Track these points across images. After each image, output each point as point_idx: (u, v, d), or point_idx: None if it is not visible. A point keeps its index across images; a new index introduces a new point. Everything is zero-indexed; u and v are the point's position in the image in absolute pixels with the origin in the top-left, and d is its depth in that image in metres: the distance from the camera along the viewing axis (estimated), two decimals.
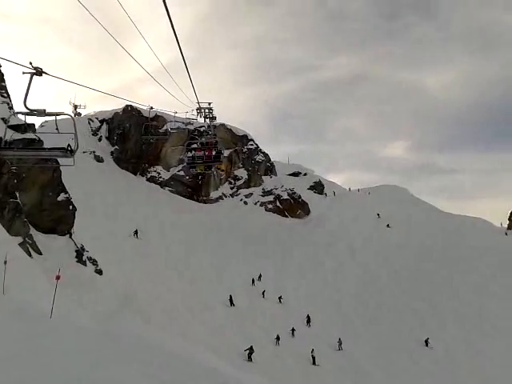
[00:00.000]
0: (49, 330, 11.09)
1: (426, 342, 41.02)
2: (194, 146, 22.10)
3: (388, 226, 73.73)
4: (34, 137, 26.20)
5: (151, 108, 18.64)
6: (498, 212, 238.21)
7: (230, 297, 37.00)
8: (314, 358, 31.79)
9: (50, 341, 10.00)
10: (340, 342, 36.60)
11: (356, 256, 61.10)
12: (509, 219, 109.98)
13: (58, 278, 15.07)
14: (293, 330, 36.06)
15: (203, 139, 23.18)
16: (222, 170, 64.89)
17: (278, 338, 31.87)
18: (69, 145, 7.95)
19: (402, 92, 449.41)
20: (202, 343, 27.03)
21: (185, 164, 70.04)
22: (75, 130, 7.65)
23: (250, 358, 28.44)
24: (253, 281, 45.24)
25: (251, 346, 26.95)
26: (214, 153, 22.69)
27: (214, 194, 73.64)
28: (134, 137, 73.36)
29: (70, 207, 29.94)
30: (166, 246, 44.88)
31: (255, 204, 75.46)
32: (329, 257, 59.25)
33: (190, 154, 22.27)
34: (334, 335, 38.36)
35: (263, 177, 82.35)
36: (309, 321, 39.46)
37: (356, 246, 64.25)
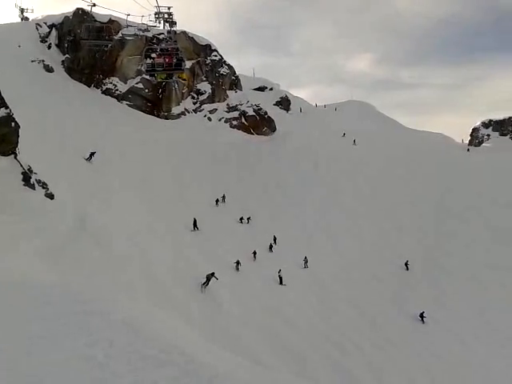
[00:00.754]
0: None
1: (406, 264, 41.76)
2: (154, 54, 20.73)
3: (354, 142, 73.08)
4: None
5: (93, 5, 15.54)
6: (458, 128, 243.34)
7: (194, 220, 35.41)
8: (280, 278, 31.77)
9: None
10: (306, 260, 36.78)
11: (321, 174, 60.63)
12: (470, 135, 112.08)
13: None
14: (254, 253, 35.66)
15: (163, 45, 21.01)
16: (184, 80, 60.28)
17: (237, 263, 30.88)
18: None
19: (370, 2, 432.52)
20: (166, 267, 26.09)
21: (143, 75, 65.29)
22: None
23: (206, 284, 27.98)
24: (217, 201, 44.00)
25: (212, 273, 25.95)
26: (174, 60, 21.17)
27: (175, 110, 69.72)
28: (86, 44, 66.83)
29: (13, 124, 26.77)
30: (124, 165, 42.34)
31: (220, 120, 72.43)
32: (294, 175, 58.48)
33: (149, 61, 21.16)
34: (300, 253, 38.44)
35: (228, 91, 78.41)
36: (275, 241, 39.12)
37: (321, 163, 63.57)
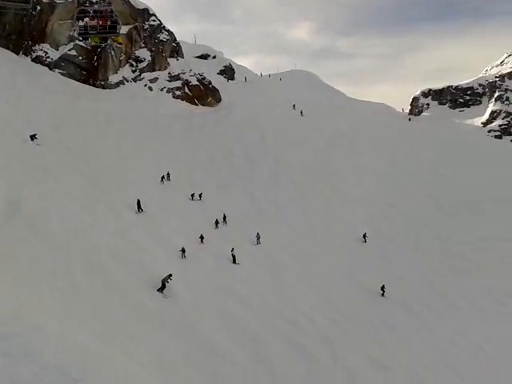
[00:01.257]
0: None
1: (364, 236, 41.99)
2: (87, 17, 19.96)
3: (301, 113, 72.48)
4: None
5: None
6: (397, 97, 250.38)
7: (138, 201, 32.88)
8: (234, 256, 30.80)
9: None
10: (258, 237, 36.02)
11: (268, 145, 59.72)
12: (410, 104, 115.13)
13: None
14: (201, 237, 34.40)
15: (96, 7, 19.47)
16: (120, 44, 55.99)
17: (183, 251, 28.47)
18: None
19: None
20: (110, 254, 24.31)
21: (76, 41, 60.59)
22: None
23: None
24: (162, 178, 41.82)
25: (169, 275, 24.23)
26: (108, 23, 19.82)
27: (113, 78, 65.48)
28: (12, 7, 60.54)
29: None
30: (60, 140, 39.11)
31: (161, 90, 69.10)
32: (240, 147, 57.16)
33: (81, 24, 20.30)
34: (250, 229, 37.66)
35: (169, 59, 74.71)
36: (224, 219, 37.87)
37: (268, 135, 62.59)
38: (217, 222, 36.51)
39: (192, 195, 40.62)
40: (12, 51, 60.38)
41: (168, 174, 42.28)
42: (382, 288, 32.43)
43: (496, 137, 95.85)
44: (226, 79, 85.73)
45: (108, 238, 26.00)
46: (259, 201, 45.62)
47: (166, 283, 23.04)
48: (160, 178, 41.50)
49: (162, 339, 18.86)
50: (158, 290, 22.81)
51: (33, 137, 36.18)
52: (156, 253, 26.93)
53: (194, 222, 34.83)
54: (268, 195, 47.32)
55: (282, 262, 34.05)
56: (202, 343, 19.91)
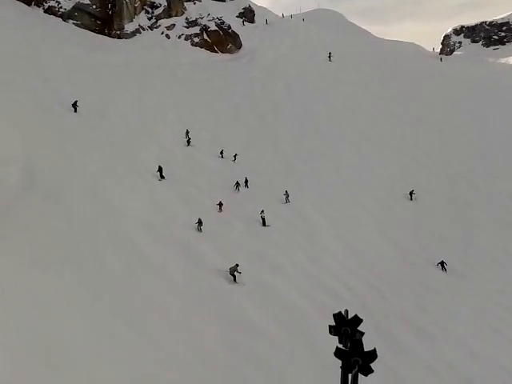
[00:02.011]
0: None
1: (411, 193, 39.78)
2: None
3: (329, 57, 68.19)
4: None
5: None
6: (427, 35, 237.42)
7: (160, 168, 30.33)
8: (263, 219, 29.24)
9: None
10: (287, 195, 34.27)
11: (294, 94, 56.60)
12: (442, 43, 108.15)
13: None
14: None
15: None
16: None
17: (199, 223, 25.63)
18: None
19: None
20: (138, 223, 23.00)
21: None
22: None
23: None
24: (187, 132, 39.62)
25: (236, 265, 22.82)
26: None
27: (129, 27, 62.29)
28: None
29: None
30: (76, 94, 37.01)
31: (179, 38, 65.67)
32: (265, 97, 54.31)
33: None
34: (278, 186, 35.86)
35: (185, 3, 70.56)
36: (246, 182, 34.64)
37: (293, 83, 59.27)
38: (237, 185, 33.61)
39: (221, 153, 38.46)
40: (23, 2, 57.48)
41: (187, 132, 39.72)
42: (442, 264, 29.77)
43: None
44: (246, 22, 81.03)
45: (137, 205, 24.63)
46: (286, 154, 43.39)
47: (237, 273, 21.88)
48: (185, 133, 39.40)
49: (196, 317, 17.71)
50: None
51: (75, 105, 34.60)
52: (190, 218, 25.50)
53: (221, 183, 33.09)
54: (295, 148, 44.99)
55: (314, 222, 32.34)
56: (236, 318, 18.74)
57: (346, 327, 2.41)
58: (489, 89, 72.06)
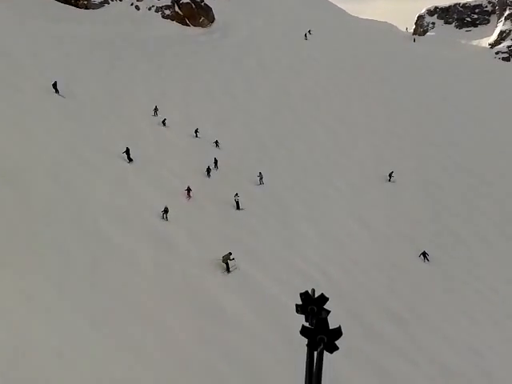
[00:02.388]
0: None
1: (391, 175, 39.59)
2: None
3: (306, 36, 66.87)
4: None
5: None
6: (401, 14, 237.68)
7: (127, 150, 28.24)
8: (237, 202, 28.44)
9: None
10: (261, 176, 33.51)
11: (268, 73, 55.35)
12: (415, 23, 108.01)
13: None
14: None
15: None
16: None
17: (165, 211, 23.96)
18: None
19: None
20: (103, 208, 21.82)
21: None
22: None
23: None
24: (155, 109, 37.99)
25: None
26: None
27: None
28: None
29: None
30: (41, 72, 34.96)
31: (149, 9, 62.90)
32: (238, 75, 52.85)
33: None
34: (252, 166, 35.09)
35: None
36: (216, 163, 33.18)
37: (267, 61, 57.92)
38: (208, 170, 31.86)
39: (196, 132, 37.11)
40: None
41: (155, 109, 38.00)
42: (424, 254, 29.53)
43: (503, 59, 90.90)
44: None
45: (102, 189, 23.38)
46: (260, 136, 42.43)
47: (229, 261, 21.43)
48: (153, 113, 37.86)
49: (169, 311, 16.95)
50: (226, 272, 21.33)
51: (55, 86, 32.87)
52: (158, 201, 24.43)
53: (195, 165, 31.94)
54: (269, 129, 44.10)
55: (288, 204, 31.84)
56: (211, 309, 18.11)
57: (312, 306, 2.31)
58: (460, 71, 72.74)
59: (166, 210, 23.92)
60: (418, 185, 40.55)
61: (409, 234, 32.53)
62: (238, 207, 28.48)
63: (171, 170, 29.67)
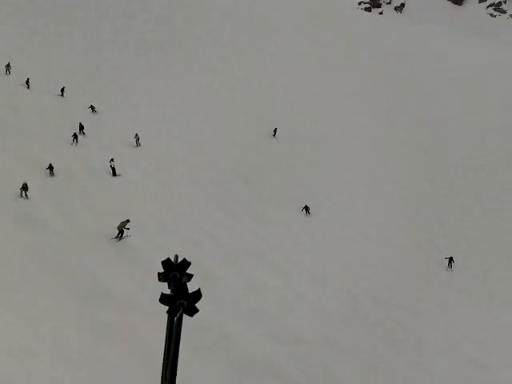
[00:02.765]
0: None
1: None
2: None
3: None
4: None
5: None
6: None
7: None
8: (113, 168, 25.99)
9: None
10: (137, 138, 31.52)
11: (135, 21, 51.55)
12: None
13: None
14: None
15: None
16: None
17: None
18: None
19: None
20: None
21: None
22: None
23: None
24: (8, 65, 32.69)
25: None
26: None
27: None
28: None
29: None
30: None
31: None
32: (103, 23, 48.22)
33: None
34: (126, 127, 33.08)
35: None
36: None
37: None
38: (75, 136, 28.42)
39: (62, 91, 33.37)
40: None
41: (8, 65, 32.93)
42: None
43: (366, 9, 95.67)
44: None
45: None
46: (132, 95, 39.46)
47: (125, 229, 20.52)
48: (4, 68, 33.00)
49: (42, 293, 15.59)
50: (115, 238, 20.30)
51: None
52: (18, 180, 21.88)
53: (61, 130, 28.96)
54: (139, 84, 41.38)
55: (169, 167, 30.72)
56: (94, 290, 17.17)
57: (174, 272, 2.48)
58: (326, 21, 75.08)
59: (24, 187, 21.07)
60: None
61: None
62: (114, 174, 26.41)
63: (34, 137, 26.40)
